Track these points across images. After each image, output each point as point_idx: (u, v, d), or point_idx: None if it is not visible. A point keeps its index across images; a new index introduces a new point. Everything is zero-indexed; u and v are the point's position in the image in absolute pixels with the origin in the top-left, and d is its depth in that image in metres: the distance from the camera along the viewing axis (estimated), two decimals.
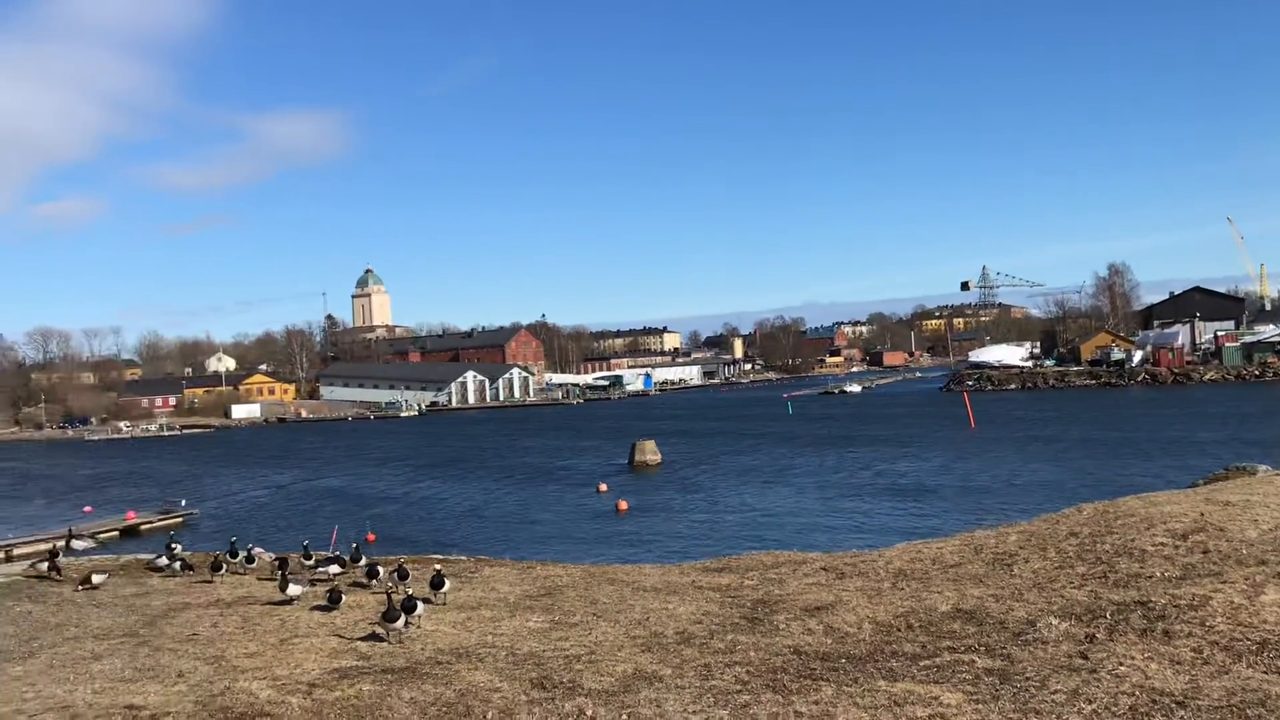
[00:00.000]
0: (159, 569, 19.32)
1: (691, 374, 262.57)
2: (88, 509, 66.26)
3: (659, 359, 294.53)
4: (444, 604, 14.65)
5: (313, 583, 16.81)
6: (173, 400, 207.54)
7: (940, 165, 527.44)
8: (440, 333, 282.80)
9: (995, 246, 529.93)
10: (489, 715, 9.14)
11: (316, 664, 11.57)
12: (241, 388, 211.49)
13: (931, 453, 72.58)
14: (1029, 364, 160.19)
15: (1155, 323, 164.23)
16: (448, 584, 15.02)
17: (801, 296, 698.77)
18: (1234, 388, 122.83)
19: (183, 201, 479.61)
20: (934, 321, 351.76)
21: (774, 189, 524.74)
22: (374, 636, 12.75)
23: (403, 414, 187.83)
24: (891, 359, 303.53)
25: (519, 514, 55.95)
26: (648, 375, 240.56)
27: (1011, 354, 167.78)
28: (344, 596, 14.85)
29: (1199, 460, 52.35)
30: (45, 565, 19.07)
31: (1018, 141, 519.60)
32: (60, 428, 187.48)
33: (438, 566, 16.11)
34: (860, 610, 12.33)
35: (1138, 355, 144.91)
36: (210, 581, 17.79)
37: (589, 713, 8.94)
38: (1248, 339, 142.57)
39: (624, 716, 8.82)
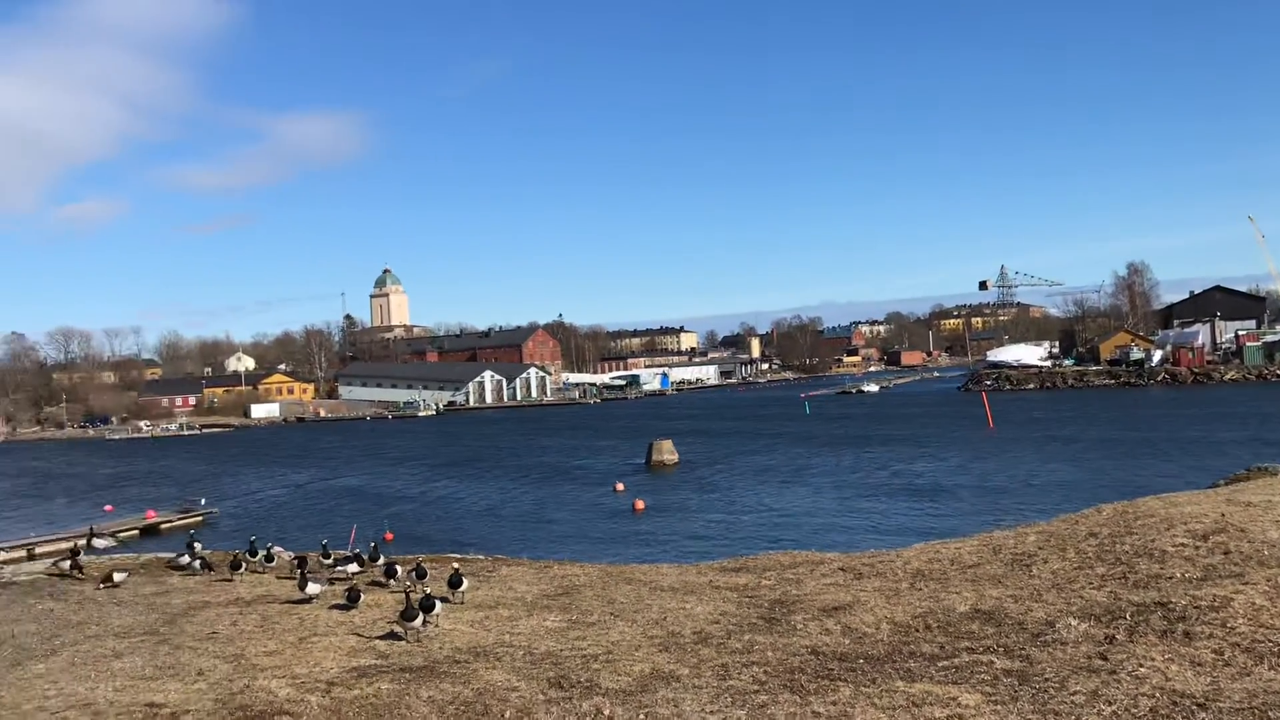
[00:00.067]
0: (180, 567, 19.42)
1: (708, 374, 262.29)
2: (108, 508, 66.71)
3: (676, 359, 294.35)
4: (462, 603, 14.68)
5: (331, 581, 16.87)
6: (192, 400, 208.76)
7: (958, 165, 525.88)
8: (458, 333, 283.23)
9: (1013, 246, 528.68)
10: (507, 714, 9.16)
11: (335, 662, 11.61)
12: (260, 387, 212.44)
13: (950, 453, 72.31)
14: (1047, 364, 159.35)
15: (1175, 322, 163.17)
16: (465, 583, 15.05)
17: (819, 296, 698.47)
18: (1255, 388, 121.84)
19: (202, 202, 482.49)
20: (952, 321, 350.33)
21: (792, 188, 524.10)
22: (392, 635, 12.79)
23: (420, 414, 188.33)
24: (909, 359, 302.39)
25: (536, 513, 56.04)
26: (664, 375, 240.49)
27: (1030, 353, 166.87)
28: (362, 595, 14.90)
29: (1219, 461, 51.96)
30: (67, 563, 19.19)
31: (1036, 140, 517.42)
32: (81, 427, 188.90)
33: (455, 565, 16.14)
34: (878, 611, 12.29)
35: (1157, 355, 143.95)
36: (230, 580, 17.87)
37: (606, 712, 8.95)
38: (1269, 338, 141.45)
39: (641, 716, 8.83)
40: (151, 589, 17.45)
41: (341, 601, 14.85)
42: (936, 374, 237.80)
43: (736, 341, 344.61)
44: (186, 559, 19.48)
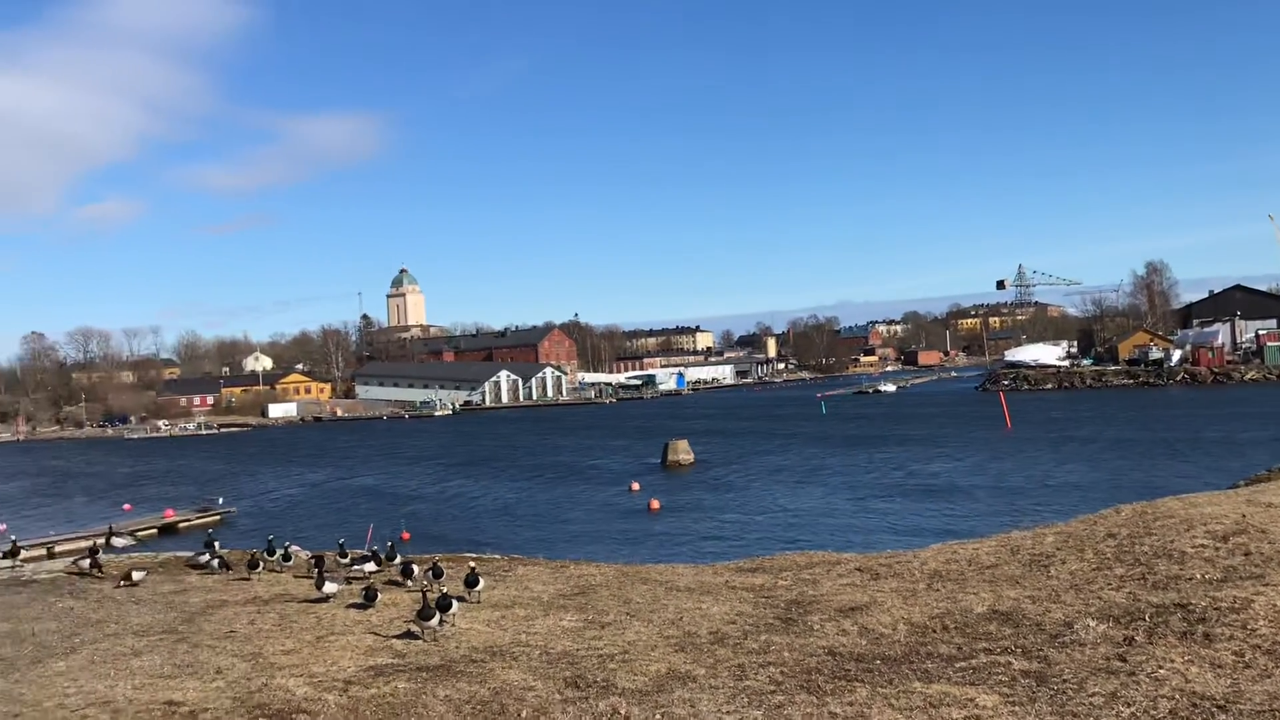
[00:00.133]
0: (199, 566, 19.52)
1: (724, 373, 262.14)
2: (127, 507, 67.10)
3: (692, 358, 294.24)
4: (478, 602, 14.70)
5: (348, 580, 16.92)
6: (210, 399, 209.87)
7: (975, 164, 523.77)
8: (474, 332, 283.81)
9: (1031, 245, 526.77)
10: (523, 714, 9.17)
11: (352, 661, 11.65)
12: (278, 387, 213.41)
13: (967, 453, 72.07)
14: (1066, 363, 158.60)
15: (1194, 321, 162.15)
16: (482, 582, 15.07)
17: (835, 295, 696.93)
18: (1276, 388, 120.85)
19: (221, 202, 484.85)
20: (969, 320, 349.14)
21: (809, 188, 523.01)
22: (409, 634, 12.82)
23: (437, 413, 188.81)
24: (926, 358, 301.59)
25: (552, 513, 56.11)
26: (680, 375, 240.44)
27: (1048, 353, 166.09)
28: (379, 594, 14.93)
29: (1239, 461, 51.63)
30: (86, 562, 19.30)
31: (1055, 139, 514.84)
32: (100, 426, 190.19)
33: (472, 565, 16.16)
34: (895, 611, 12.26)
35: (1176, 354, 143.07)
36: (247, 579, 17.94)
37: (623, 712, 8.95)
38: None
39: (658, 716, 8.82)
40: (170, 588, 17.54)
41: (358, 600, 14.90)
42: (954, 374, 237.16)
43: (753, 341, 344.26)
44: (205, 558, 19.57)
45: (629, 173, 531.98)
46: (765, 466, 71.75)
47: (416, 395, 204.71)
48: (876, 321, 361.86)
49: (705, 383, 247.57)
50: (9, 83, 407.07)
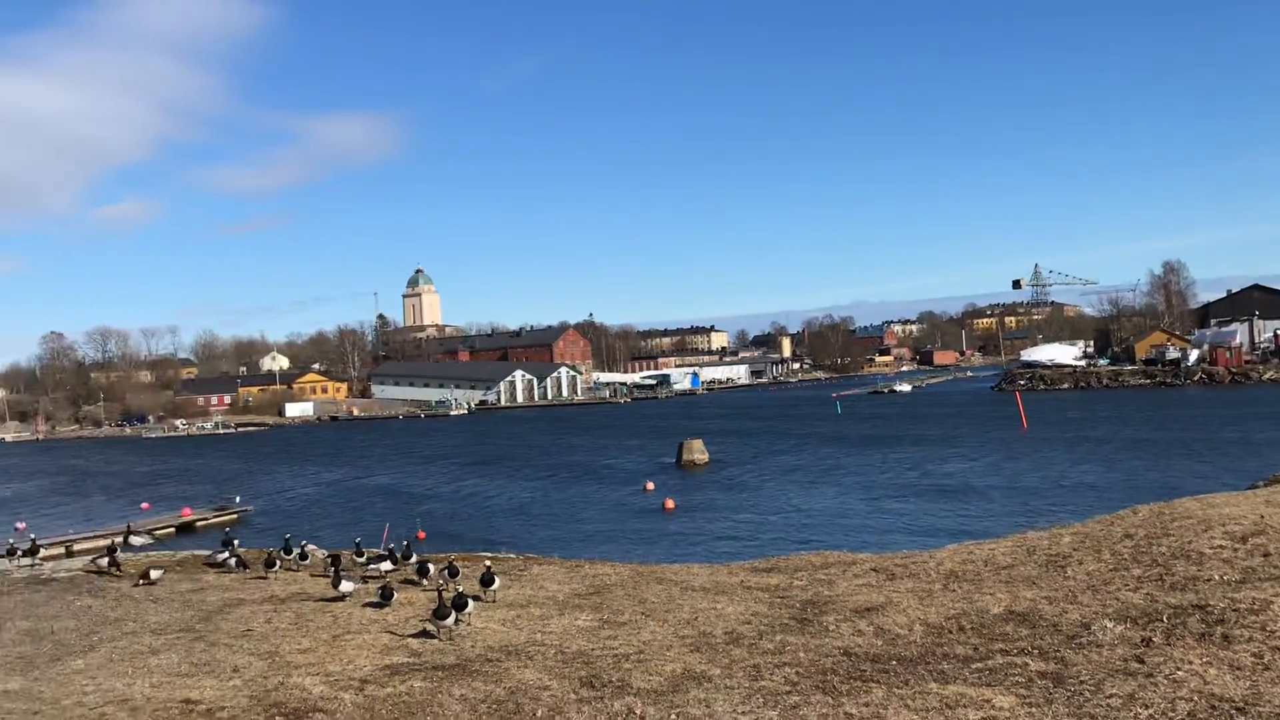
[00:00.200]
0: (217, 565, 19.61)
1: (739, 373, 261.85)
2: (145, 505, 67.44)
3: (706, 358, 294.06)
4: (494, 601, 14.73)
5: (364, 579, 16.99)
6: (228, 399, 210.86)
7: (991, 163, 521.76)
8: (489, 332, 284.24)
9: (1048, 244, 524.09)
10: (538, 713, 9.18)
11: (368, 660, 11.69)
12: (295, 386, 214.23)
13: (983, 453, 71.82)
14: (1082, 363, 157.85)
15: (1212, 321, 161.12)
16: (497, 582, 15.10)
17: (850, 295, 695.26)
18: None
19: (238, 203, 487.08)
20: (985, 320, 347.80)
21: (823, 187, 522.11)
22: (425, 633, 12.86)
23: (452, 412, 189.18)
24: (942, 358, 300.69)
25: (567, 512, 56.14)
26: (695, 374, 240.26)
27: (1064, 353, 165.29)
28: (395, 593, 14.98)
29: (1257, 462, 51.28)
30: (105, 560, 19.41)
31: (1071, 138, 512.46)
32: (119, 425, 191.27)
33: (487, 564, 16.20)
34: (911, 612, 12.22)
35: (1194, 354, 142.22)
36: (264, 578, 18.02)
37: (638, 712, 8.95)
38: None
39: (673, 716, 8.83)
40: (187, 586, 17.63)
41: (374, 599, 14.95)
42: (969, 374, 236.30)
43: (767, 341, 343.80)
44: (223, 556, 19.66)
45: (643, 173, 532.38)
46: (780, 466, 71.63)
47: (432, 395, 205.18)
48: (892, 321, 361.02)
49: (720, 382, 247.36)
50: (28, 84, 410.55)
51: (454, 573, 15.73)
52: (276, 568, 18.34)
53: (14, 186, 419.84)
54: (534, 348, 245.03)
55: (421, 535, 44.91)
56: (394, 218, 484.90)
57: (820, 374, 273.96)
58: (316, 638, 13.01)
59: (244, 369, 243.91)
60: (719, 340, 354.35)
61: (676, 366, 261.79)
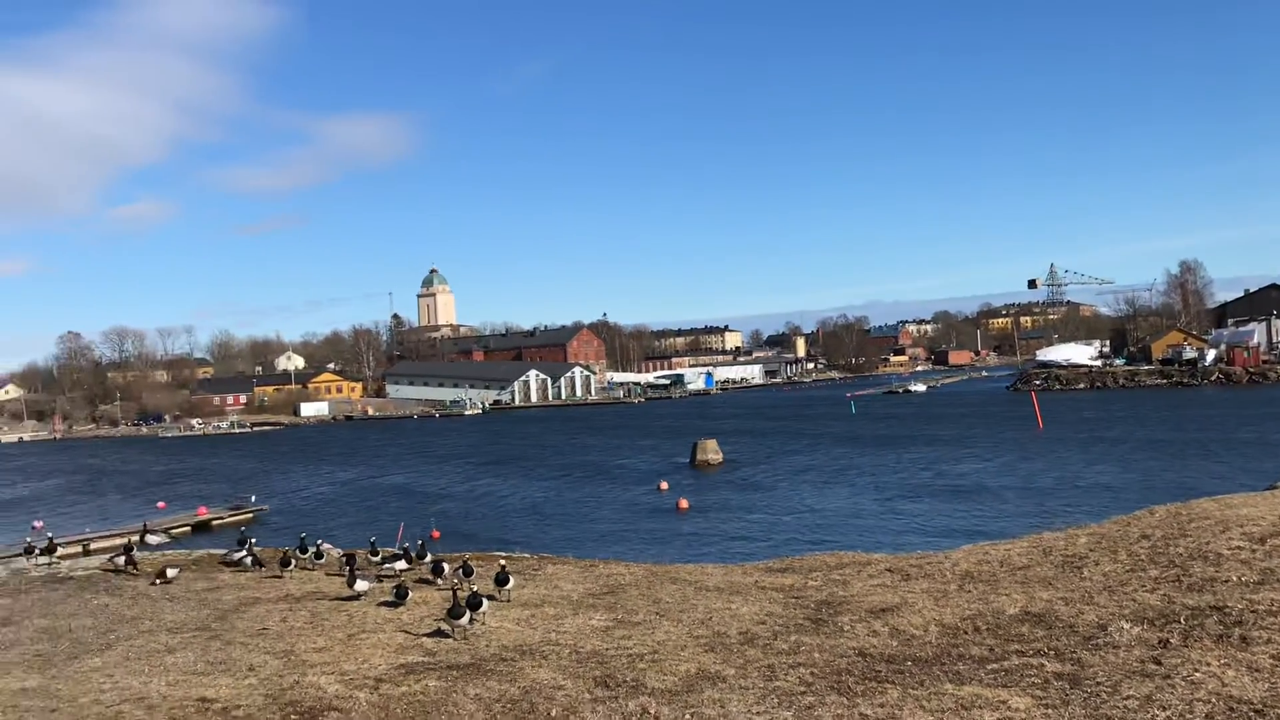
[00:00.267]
0: (233, 563, 19.69)
1: (753, 373, 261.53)
2: (161, 504, 67.73)
3: (720, 358, 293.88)
4: (508, 601, 14.75)
5: (379, 578, 17.03)
6: (243, 398, 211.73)
7: (1006, 162, 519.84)
8: (503, 332, 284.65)
9: (1064, 244, 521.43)
10: (553, 713, 9.19)
11: (383, 659, 11.72)
12: (310, 386, 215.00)
13: (998, 453, 71.56)
14: (1098, 363, 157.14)
15: (1229, 321, 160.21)
16: (512, 581, 15.12)
17: (865, 295, 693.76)
18: None
19: (253, 203, 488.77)
20: (1000, 320, 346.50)
21: (839, 186, 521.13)
22: (439, 633, 12.88)
23: (466, 412, 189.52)
24: (957, 358, 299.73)
25: (581, 512, 56.16)
26: (709, 374, 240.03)
27: (1080, 353, 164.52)
28: (410, 593, 15.02)
29: (1275, 462, 50.98)
30: (121, 559, 19.52)
31: (1086, 137, 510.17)
32: (135, 425, 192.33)
33: (502, 563, 16.23)
34: (926, 612, 12.19)
35: (1211, 354, 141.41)
36: (279, 577, 18.08)
37: (652, 711, 8.95)
38: None
39: (687, 716, 8.82)
40: (203, 585, 17.71)
41: (389, 598, 14.99)
42: (985, 373, 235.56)
43: (782, 341, 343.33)
44: (239, 555, 19.74)
45: (656, 174, 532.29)
46: (794, 466, 71.53)
47: (446, 394, 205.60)
48: (906, 321, 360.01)
49: (734, 382, 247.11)
50: (46, 85, 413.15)
51: (468, 572, 15.76)
52: (292, 567, 18.40)
53: (31, 187, 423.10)
54: (548, 348, 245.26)
55: (436, 534, 44.96)
56: (408, 218, 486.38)
57: (835, 374, 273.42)
58: (332, 637, 13.05)
59: (259, 369, 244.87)
60: (733, 340, 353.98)
61: (690, 366, 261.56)
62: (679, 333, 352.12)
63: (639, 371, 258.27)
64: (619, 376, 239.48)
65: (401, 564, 17.82)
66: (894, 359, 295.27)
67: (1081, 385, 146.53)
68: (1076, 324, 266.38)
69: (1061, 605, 11.89)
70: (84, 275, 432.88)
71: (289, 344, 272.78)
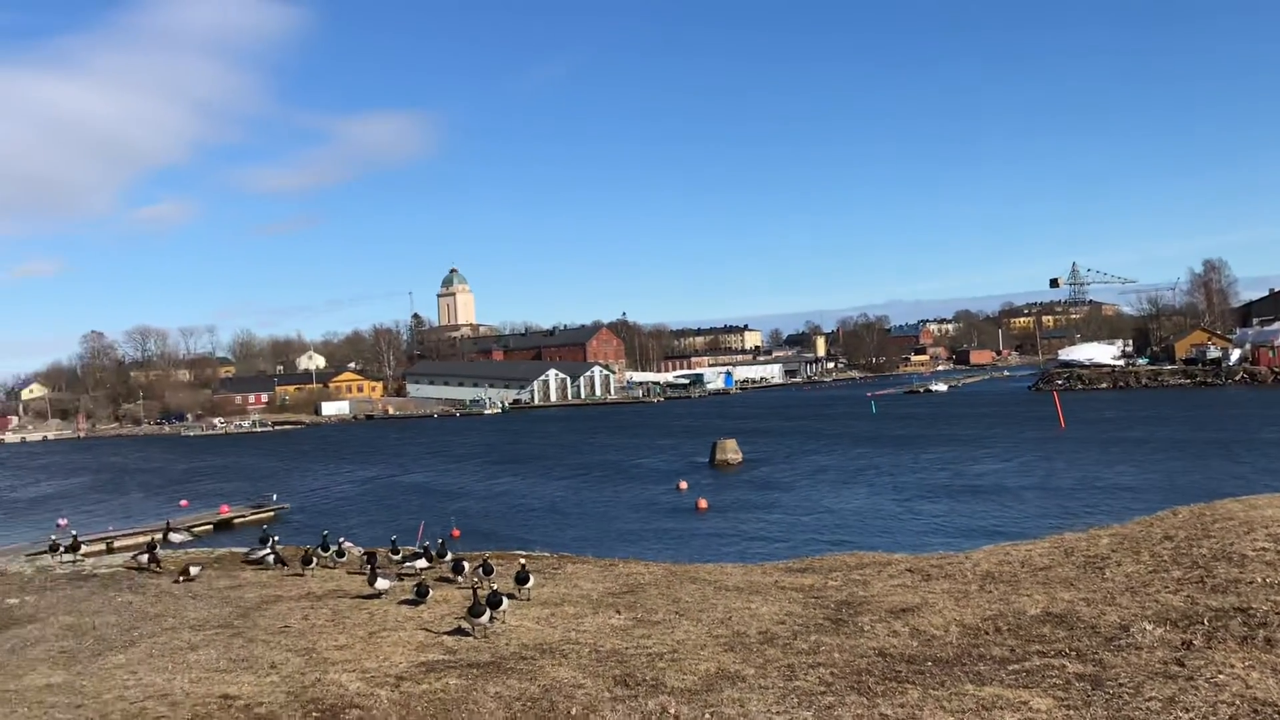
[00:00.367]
0: (255, 562, 19.79)
1: (773, 372, 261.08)
2: (184, 503, 68.25)
3: (740, 357, 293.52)
4: (528, 600, 14.78)
5: (400, 577, 17.09)
6: (265, 397, 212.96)
7: (1028, 162, 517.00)
8: (523, 331, 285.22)
9: (1086, 243, 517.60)
10: (573, 711, 9.20)
11: (404, 657, 11.76)
12: (331, 385, 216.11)
13: (1021, 453, 71.23)
14: (1121, 363, 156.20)
15: (1254, 320, 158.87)
16: (532, 580, 15.14)
17: (885, 294, 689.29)
18: None
19: (273, 203, 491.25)
20: (1022, 319, 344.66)
21: (857, 186, 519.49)
22: (460, 631, 12.92)
23: (486, 411, 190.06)
24: (978, 357, 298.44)
25: (600, 511, 56.24)
26: (728, 374, 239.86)
27: (1103, 352, 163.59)
28: (431, 591, 15.06)
29: None
30: (145, 557, 19.64)
31: (1109, 135, 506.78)
32: (158, 424, 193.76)
33: (522, 562, 16.25)
34: (947, 613, 12.14)
35: (1235, 354, 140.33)
36: (301, 575, 18.17)
37: (672, 711, 8.95)
38: None
39: (707, 715, 8.82)
40: (225, 583, 17.81)
41: (410, 597, 15.04)
42: (1006, 373, 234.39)
43: (801, 340, 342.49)
44: (262, 553, 19.85)
45: (678, 173, 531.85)
46: (814, 466, 71.40)
47: (466, 394, 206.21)
48: (927, 320, 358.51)
49: (753, 382, 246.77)
50: (67, 87, 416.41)
51: (488, 570, 15.80)
52: (313, 565, 18.48)
53: (55, 188, 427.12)
54: (567, 347, 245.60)
55: (456, 533, 45.10)
56: (428, 217, 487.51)
57: (855, 373, 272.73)
58: (353, 634, 13.11)
59: (281, 368, 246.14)
60: (752, 339, 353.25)
61: (710, 366, 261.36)
62: (698, 332, 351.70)
63: (658, 371, 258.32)
64: (638, 376, 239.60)
65: (422, 562, 17.87)
66: (915, 358, 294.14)
67: (1104, 385, 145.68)
68: (1099, 323, 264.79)
69: (1083, 606, 11.82)
70: (107, 275, 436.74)
71: (310, 343, 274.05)
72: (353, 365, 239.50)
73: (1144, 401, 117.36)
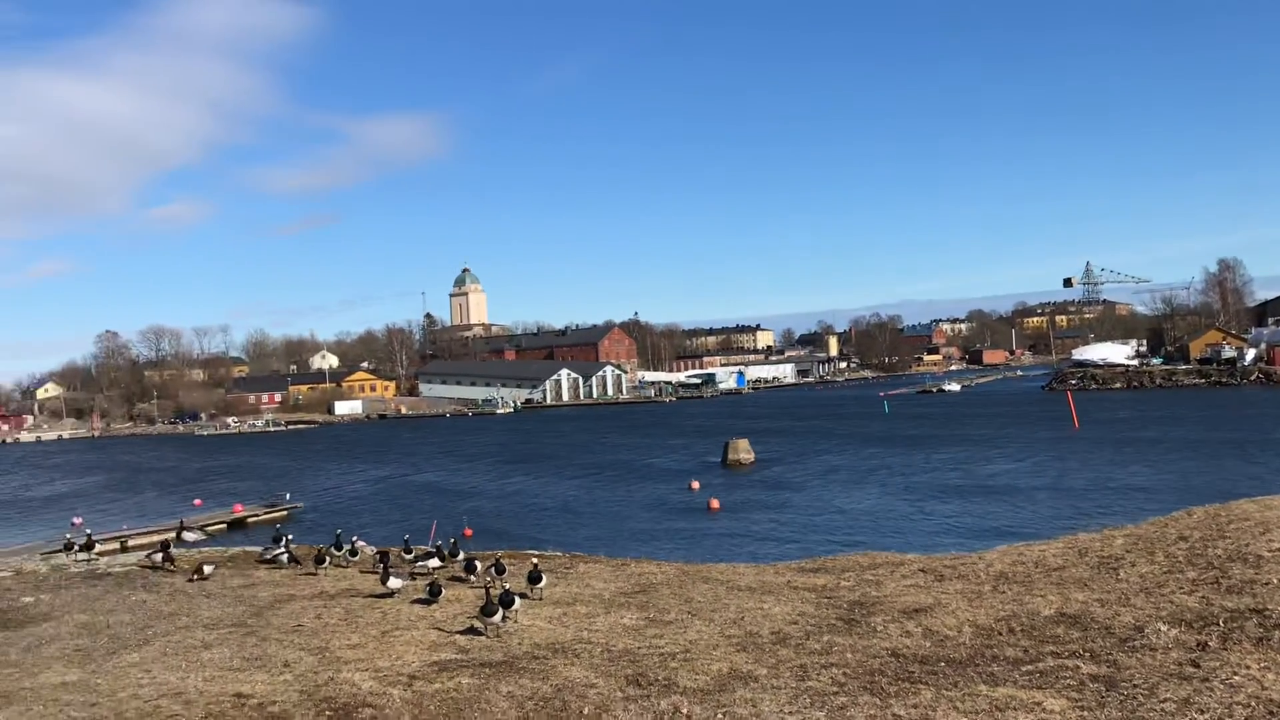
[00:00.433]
0: (269, 561, 19.85)
1: (785, 372, 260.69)
2: (197, 502, 68.45)
3: (752, 357, 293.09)
4: (540, 599, 14.79)
5: (413, 576, 17.12)
6: (278, 397, 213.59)
7: (1041, 161, 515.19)
8: (535, 331, 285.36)
9: (1100, 242, 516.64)
10: (585, 711, 9.20)
11: (417, 656, 11.78)
12: (344, 385, 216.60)
13: (1033, 453, 70.95)
14: (1135, 362, 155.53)
15: (1270, 319, 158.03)
16: (544, 579, 15.16)
17: (898, 294, 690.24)
18: None
19: (286, 203, 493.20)
20: (1035, 319, 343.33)
21: (857, 186, 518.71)
22: (472, 630, 12.93)
23: (499, 411, 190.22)
24: (991, 357, 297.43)
25: (612, 510, 56.21)
26: (740, 373, 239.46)
27: (1117, 352, 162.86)
28: (443, 590, 15.09)
29: None
30: (159, 556, 19.72)
31: (1123, 135, 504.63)
32: (171, 423, 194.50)
33: (534, 561, 16.27)
34: (960, 613, 12.11)
35: (1251, 353, 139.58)
36: (314, 574, 18.22)
37: (684, 710, 8.95)
38: None
39: (719, 715, 8.81)
40: (239, 582, 17.87)
41: (423, 596, 15.07)
42: (1019, 373, 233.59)
43: (814, 340, 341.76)
44: (275, 552, 19.91)
45: (690, 173, 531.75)
46: (826, 466, 71.26)
47: (479, 393, 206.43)
48: (940, 320, 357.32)
49: (766, 381, 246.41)
50: (82, 88, 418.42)
51: (501, 570, 15.82)
52: (327, 564, 18.54)
53: (70, 188, 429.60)
54: (579, 346, 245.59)
55: (469, 533, 45.14)
56: (441, 218, 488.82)
57: (867, 373, 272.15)
58: (366, 634, 13.14)
59: (294, 367, 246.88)
60: (765, 339, 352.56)
61: (722, 365, 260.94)
62: (710, 332, 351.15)
63: (670, 370, 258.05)
64: (650, 375, 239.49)
65: (435, 562, 17.91)
66: (927, 358, 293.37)
67: (1118, 385, 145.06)
68: (1113, 323, 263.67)
69: (1097, 607, 11.78)
70: (121, 275, 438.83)
71: (323, 343, 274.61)
72: (365, 365, 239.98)
73: (1158, 401, 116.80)
